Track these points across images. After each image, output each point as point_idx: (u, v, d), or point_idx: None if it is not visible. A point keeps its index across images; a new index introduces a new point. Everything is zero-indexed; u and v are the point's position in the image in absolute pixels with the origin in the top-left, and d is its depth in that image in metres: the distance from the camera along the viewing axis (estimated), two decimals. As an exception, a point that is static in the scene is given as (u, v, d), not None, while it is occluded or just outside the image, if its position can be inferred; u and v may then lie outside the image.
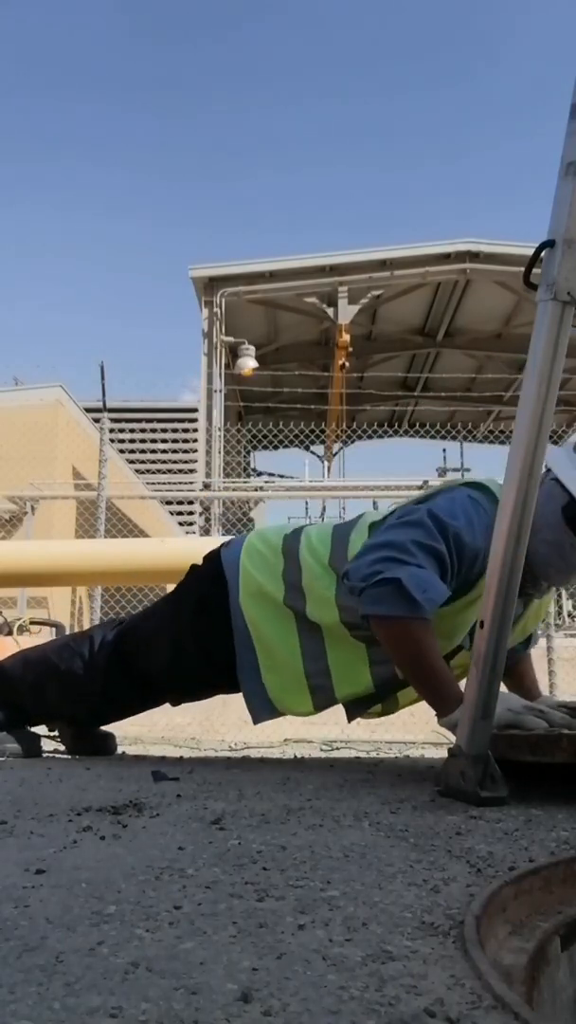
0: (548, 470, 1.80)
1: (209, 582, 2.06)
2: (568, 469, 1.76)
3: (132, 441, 15.84)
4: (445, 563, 1.69)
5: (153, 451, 16.25)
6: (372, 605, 1.65)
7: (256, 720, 1.98)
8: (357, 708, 2.00)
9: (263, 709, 1.95)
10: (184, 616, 2.09)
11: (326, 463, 14.74)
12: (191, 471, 13.83)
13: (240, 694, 2.03)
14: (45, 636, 4.62)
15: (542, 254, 1.37)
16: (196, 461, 12.21)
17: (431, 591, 1.62)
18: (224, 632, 1.96)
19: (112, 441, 7.22)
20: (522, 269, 1.41)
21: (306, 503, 13.68)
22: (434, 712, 1.66)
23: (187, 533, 13.01)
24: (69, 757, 2.29)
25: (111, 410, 6.91)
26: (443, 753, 1.62)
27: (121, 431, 13.98)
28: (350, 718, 2.06)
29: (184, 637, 2.06)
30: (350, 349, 11.49)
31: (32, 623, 4.59)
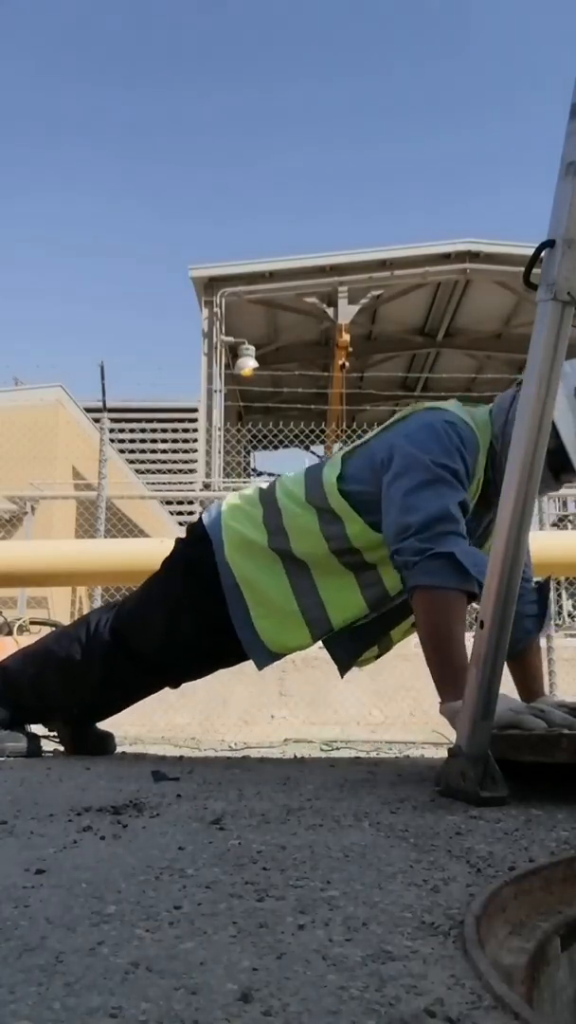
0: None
1: (194, 545, 2.12)
2: (566, 413, 1.78)
3: (132, 441, 15.83)
4: (467, 503, 1.80)
5: (153, 451, 16.25)
6: (424, 576, 1.69)
7: (260, 666, 2.03)
8: (351, 651, 2.06)
9: (263, 656, 2.00)
10: (174, 583, 2.13)
11: (326, 463, 14.72)
12: (191, 471, 13.83)
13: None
14: (45, 636, 4.62)
15: (542, 254, 1.37)
16: (196, 461, 12.21)
17: (480, 564, 1.66)
18: (214, 590, 2.01)
19: (112, 441, 7.22)
20: (522, 269, 1.41)
21: (306, 503, 13.66)
22: (435, 710, 1.66)
23: (187, 533, 12.97)
24: (69, 757, 2.29)
25: (111, 410, 6.90)
26: (443, 753, 1.62)
27: (121, 431, 13.98)
28: (343, 670, 2.11)
29: (177, 603, 2.10)
30: (350, 349, 11.49)
31: (32, 623, 4.60)
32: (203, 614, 2.05)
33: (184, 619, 2.09)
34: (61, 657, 2.18)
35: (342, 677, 2.17)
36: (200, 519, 2.17)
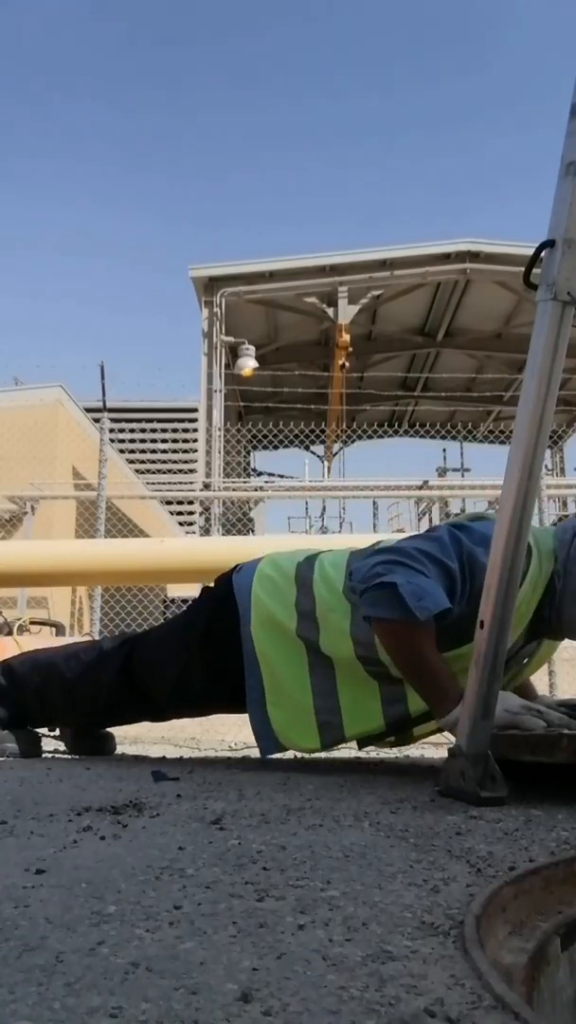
0: None
1: (219, 607, 2.02)
2: None
3: (132, 441, 15.83)
4: (454, 580, 1.67)
5: (153, 451, 16.25)
6: (369, 607, 1.65)
7: (264, 754, 1.95)
8: (369, 740, 1.98)
9: (269, 744, 1.92)
10: (193, 640, 2.06)
11: (326, 463, 14.74)
12: (191, 471, 13.83)
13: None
14: (45, 636, 4.62)
15: (542, 254, 1.37)
16: (196, 461, 12.21)
17: (427, 599, 1.59)
18: (233, 660, 1.93)
19: (112, 441, 7.22)
20: (522, 269, 1.41)
21: (306, 503, 13.69)
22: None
23: (187, 533, 13.01)
24: (69, 757, 2.29)
25: (111, 410, 6.91)
26: (443, 753, 1.62)
27: (121, 431, 13.97)
28: (361, 747, 2.04)
29: (192, 661, 2.04)
30: (350, 349, 11.49)
31: (32, 623, 4.60)
32: (217, 677, 2.00)
33: (197, 676, 2.03)
34: (68, 679, 2.17)
35: (359, 749, 2.08)
36: (230, 577, 2.06)
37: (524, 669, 1.95)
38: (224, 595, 2.02)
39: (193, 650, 2.04)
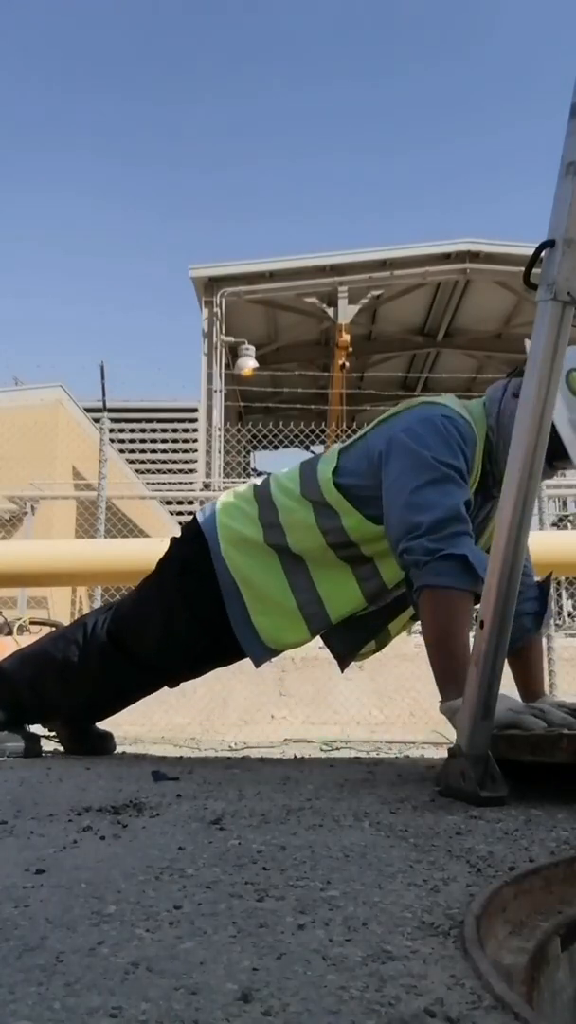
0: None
1: (189, 544, 2.12)
2: (562, 409, 1.76)
3: (132, 441, 15.82)
4: (471, 501, 1.81)
5: (153, 451, 16.23)
6: (435, 576, 1.69)
7: (257, 663, 2.03)
8: (350, 645, 2.07)
9: (261, 652, 2.00)
10: (170, 583, 2.13)
11: (326, 463, 14.73)
12: (191, 471, 13.83)
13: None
14: (45, 636, 4.62)
15: (542, 254, 1.37)
16: (196, 461, 12.21)
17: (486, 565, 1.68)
18: (211, 589, 2.01)
19: (112, 441, 7.22)
20: (522, 269, 1.41)
21: (306, 503, 13.66)
22: (436, 710, 1.66)
23: (187, 533, 12.96)
24: (69, 757, 2.29)
25: (111, 410, 6.91)
26: (443, 753, 1.62)
27: (121, 431, 13.96)
28: (343, 665, 2.13)
29: (173, 604, 2.10)
30: (350, 349, 11.50)
31: (32, 623, 4.59)
32: (199, 614, 2.05)
33: (180, 620, 2.08)
34: (59, 659, 2.18)
35: (342, 671, 2.18)
36: (195, 518, 2.17)
37: (487, 530, 2.03)
38: (192, 534, 2.13)
39: (172, 593, 2.11)
